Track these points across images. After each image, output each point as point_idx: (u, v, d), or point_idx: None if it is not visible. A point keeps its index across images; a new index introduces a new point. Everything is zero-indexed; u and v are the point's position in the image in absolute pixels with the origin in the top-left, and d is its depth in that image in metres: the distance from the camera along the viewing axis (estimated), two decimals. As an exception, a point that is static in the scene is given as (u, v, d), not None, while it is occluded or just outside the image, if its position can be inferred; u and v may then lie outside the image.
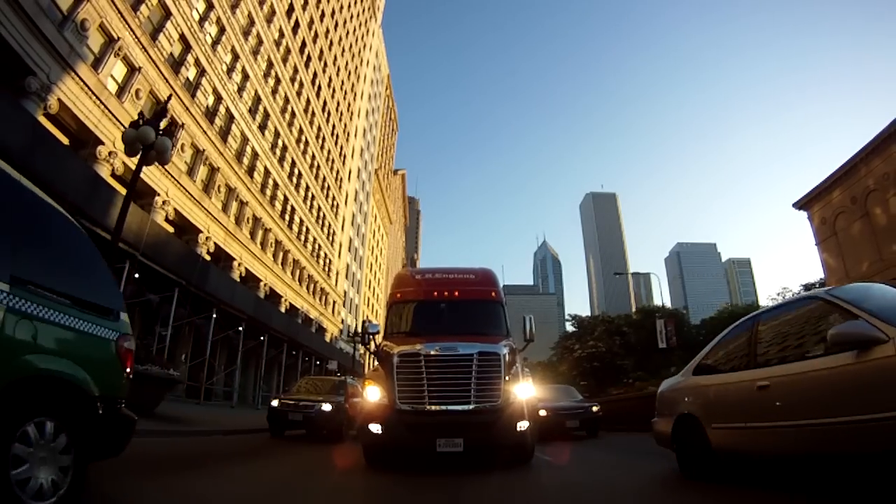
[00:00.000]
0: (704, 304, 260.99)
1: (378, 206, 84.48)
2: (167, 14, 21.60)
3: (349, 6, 55.89)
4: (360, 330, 41.86)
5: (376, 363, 7.54)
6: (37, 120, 12.97)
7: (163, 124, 10.18)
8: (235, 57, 27.81)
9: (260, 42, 30.89)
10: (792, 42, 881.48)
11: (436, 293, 8.57)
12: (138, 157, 10.02)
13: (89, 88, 16.62)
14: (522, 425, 6.57)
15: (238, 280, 27.41)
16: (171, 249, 17.90)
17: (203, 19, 24.55)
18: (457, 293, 8.59)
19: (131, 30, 18.88)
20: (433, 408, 6.56)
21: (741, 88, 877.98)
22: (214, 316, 20.34)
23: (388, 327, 8.40)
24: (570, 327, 63.28)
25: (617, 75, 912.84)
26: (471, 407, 6.52)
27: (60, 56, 15.41)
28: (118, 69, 18.71)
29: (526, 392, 6.85)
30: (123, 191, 18.51)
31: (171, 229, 21.63)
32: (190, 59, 23.27)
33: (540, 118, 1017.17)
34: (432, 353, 6.68)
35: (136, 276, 14.89)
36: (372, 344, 8.04)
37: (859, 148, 35.73)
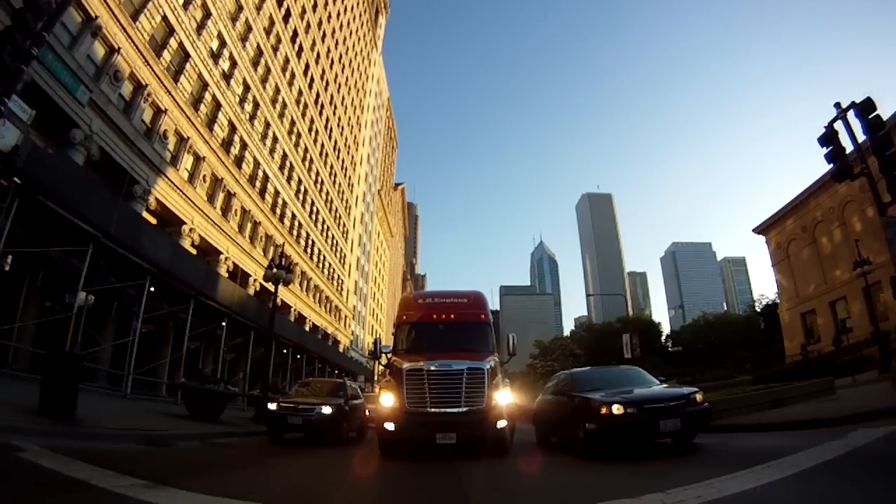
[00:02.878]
0: (700, 304, 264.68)
1: (381, 223, 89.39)
2: (218, 106, 26.57)
3: (353, 45, 60.70)
4: (372, 347, 47.12)
5: (388, 374, 9.31)
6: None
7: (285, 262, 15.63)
8: (267, 125, 32.79)
9: (284, 106, 35.89)
10: (788, 38, 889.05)
11: (434, 316, 9.97)
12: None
13: (173, 183, 21.62)
14: (501, 423, 8.26)
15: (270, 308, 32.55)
16: (249, 305, 23.29)
17: (242, 100, 29.52)
18: (452, 316, 9.95)
19: (196, 128, 23.88)
20: (433, 410, 8.13)
21: (736, 86, 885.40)
22: (274, 345, 25.77)
23: (397, 344, 9.79)
24: (534, 349, 74.92)
25: (611, 75, 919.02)
26: (462, 409, 8.12)
27: (154, 165, 20.39)
28: (189, 162, 23.72)
29: (505, 398, 8.60)
30: (194, 251, 23.58)
31: (225, 274, 26.66)
32: (236, 138, 28.32)
33: (535, 118, 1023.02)
34: (432, 368, 8.27)
35: (223, 324, 20.16)
36: (384, 359, 9.84)
37: (810, 183, 40.88)
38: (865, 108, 9.31)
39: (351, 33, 59.37)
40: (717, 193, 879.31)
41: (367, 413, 14.06)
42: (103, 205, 12.92)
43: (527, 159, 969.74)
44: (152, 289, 15.81)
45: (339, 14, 52.30)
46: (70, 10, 16.78)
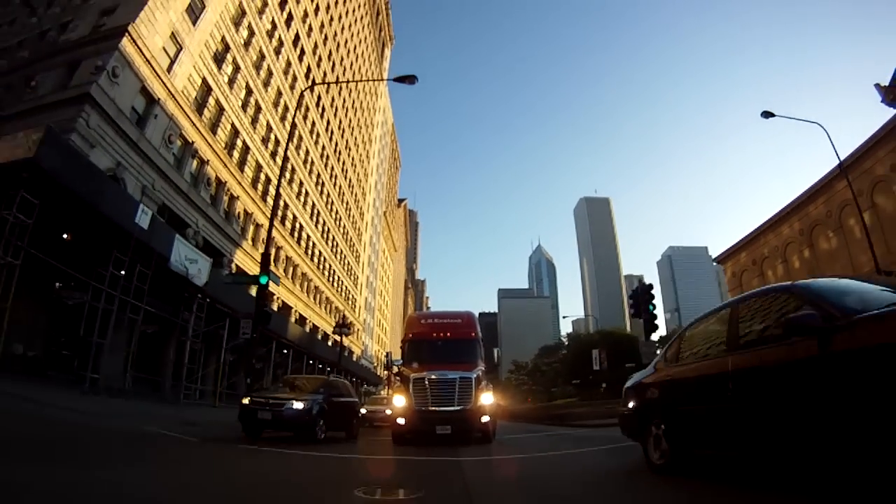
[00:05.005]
0: (696, 307, 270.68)
1: (385, 241, 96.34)
2: (268, 181, 33.61)
3: (364, 86, 67.40)
4: (384, 359, 54.41)
5: (398, 382, 11.71)
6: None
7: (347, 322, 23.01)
8: (301, 184, 39.94)
9: (312, 163, 43.02)
10: (784, 41, 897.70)
11: (434, 334, 12.10)
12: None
13: (244, 250, 28.68)
14: (485, 418, 10.47)
15: (307, 332, 39.72)
16: (304, 336, 30.99)
17: (283, 169, 36.48)
18: (448, 334, 12.05)
19: (256, 204, 30.98)
20: (434, 408, 10.23)
21: (733, 89, 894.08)
22: (319, 367, 33.29)
23: (404, 356, 12.04)
24: (511, 365, 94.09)
25: (608, 80, 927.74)
26: (456, 408, 10.20)
27: (233, 240, 27.46)
28: (252, 231, 30.83)
29: (488, 399, 10.81)
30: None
31: (276, 309, 33.63)
32: (281, 202, 35.40)
33: (533, 122, 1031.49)
34: (433, 377, 10.46)
35: (284, 351, 27.52)
36: (395, 369, 13.07)
37: (762, 222, 47.88)
38: (647, 290, 16.61)
39: (362, 76, 66.10)
40: (713, 198, 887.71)
41: (360, 412, 14.43)
42: (236, 294, 20.20)
43: (525, 163, 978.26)
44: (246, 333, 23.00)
45: (352, 64, 59.15)
46: (176, 139, 23.89)
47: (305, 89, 28.14)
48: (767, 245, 47.18)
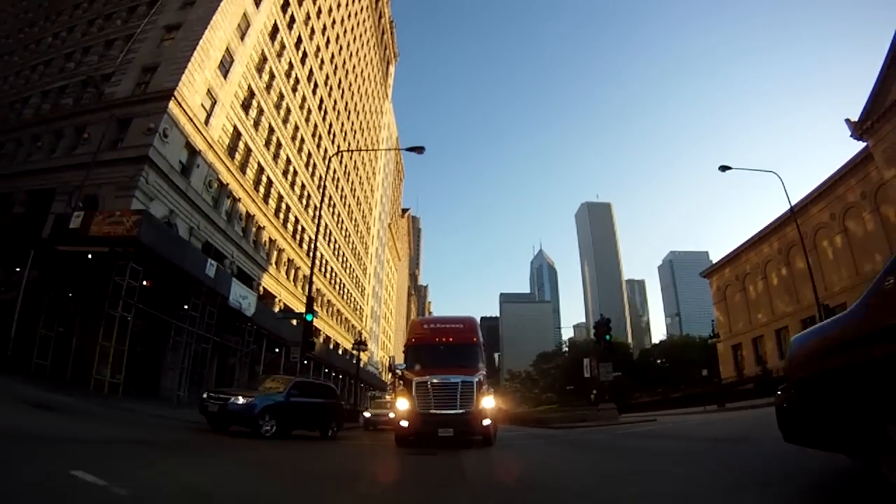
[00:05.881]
0: (696, 312, 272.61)
1: (390, 251, 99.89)
2: (288, 209, 37.18)
3: (371, 107, 71.03)
4: (388, 363, 57.89)
5: (402, 385, 11.88)
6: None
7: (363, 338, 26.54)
8: (316, 207, 43.43)
9: (325, 187, 46.42)
10: (789, 45, 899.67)
11: (437, 339, 12.36)
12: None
13: (270, 273, 32.22)
14: (486, 422, 10.71)
15: (322, 342, 43.24)
16: (323, 352, 34.60)
17: (301, 197, 40.14)
18: (451, 339, 12.33)
19: (279, 231, 34.52)
20: (436, 411, 10.52)
21: (734, 94, 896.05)
22: (334, 375, 36.88)
23: (407, 360, 12.20)
24: (507, 374, 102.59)
25: (610, 85, 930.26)
26: (457, 411, 10.50)
27: (261, 266, 31.00)
28: (275, 255, 34.36)
29: (489, 403, 11.05)
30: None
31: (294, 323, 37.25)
32: (299, 227, 39.06)
33: (535, 127, 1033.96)
34: (435, 381, 10.77)
35: (305, 363, 31.00)
36: (399, 373, 12.54)
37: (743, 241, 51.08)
38: (604, 323, 20.05)
39: (369, 98, 69.69)
40: (715, 202, 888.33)
41: (338, 415, 15.07)
42: (274, 321, 23.85)
43: (527, 166, 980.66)
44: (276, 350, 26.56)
45: (359, 87, 62.75)
46: (214, 183, 27.35)
47: (332, 156, 31.98)
48: (749, 262, 50.49)
